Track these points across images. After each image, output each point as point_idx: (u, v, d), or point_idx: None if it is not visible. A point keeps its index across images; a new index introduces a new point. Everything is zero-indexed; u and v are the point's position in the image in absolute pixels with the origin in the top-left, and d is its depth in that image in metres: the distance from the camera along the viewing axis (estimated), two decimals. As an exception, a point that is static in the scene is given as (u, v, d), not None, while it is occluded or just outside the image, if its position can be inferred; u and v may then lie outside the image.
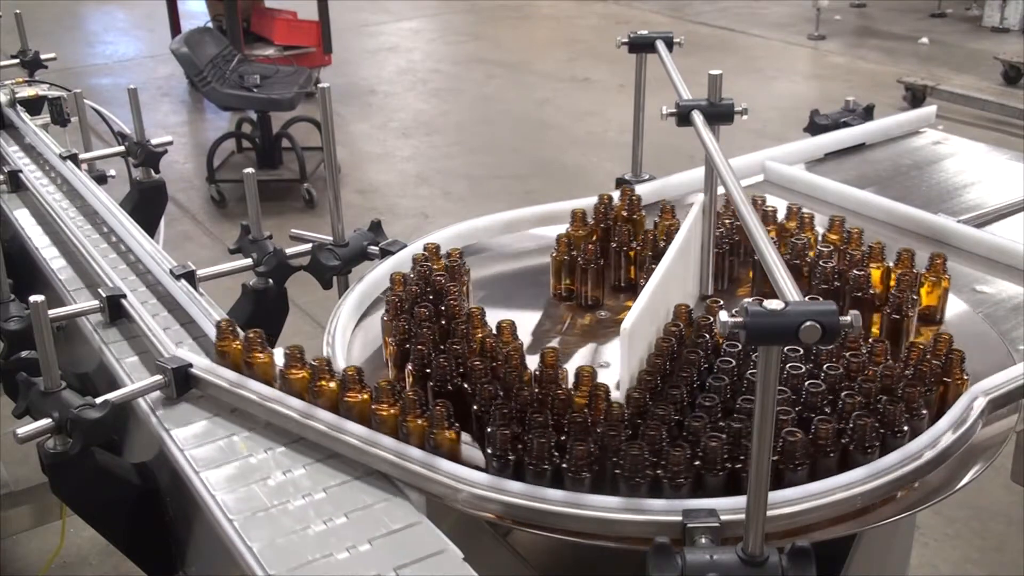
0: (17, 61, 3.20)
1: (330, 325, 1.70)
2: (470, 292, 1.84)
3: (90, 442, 1.42)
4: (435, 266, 1.80)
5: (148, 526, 1.51)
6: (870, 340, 1.50)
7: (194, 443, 1.43)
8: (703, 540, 1.18)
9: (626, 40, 2.07)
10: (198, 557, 1.45)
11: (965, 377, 1.45)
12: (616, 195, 2.00)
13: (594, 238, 1.91)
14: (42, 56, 3.23)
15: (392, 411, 1.38)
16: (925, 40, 9.43)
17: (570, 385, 1.45)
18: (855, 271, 1.67)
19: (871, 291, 1.66)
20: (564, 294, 1.86)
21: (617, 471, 1.27)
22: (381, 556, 1.20)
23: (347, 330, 1.73)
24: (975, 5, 10.40)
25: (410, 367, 1.53)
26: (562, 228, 1.94)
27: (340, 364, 1.58)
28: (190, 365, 1.53)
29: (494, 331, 1.57)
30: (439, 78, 8.63)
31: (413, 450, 1.34)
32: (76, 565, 3.19)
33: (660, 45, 2.00)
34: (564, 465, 1.28)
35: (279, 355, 1.51)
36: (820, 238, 1.86)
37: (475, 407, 1.41)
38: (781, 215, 1.94)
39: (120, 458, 1.55)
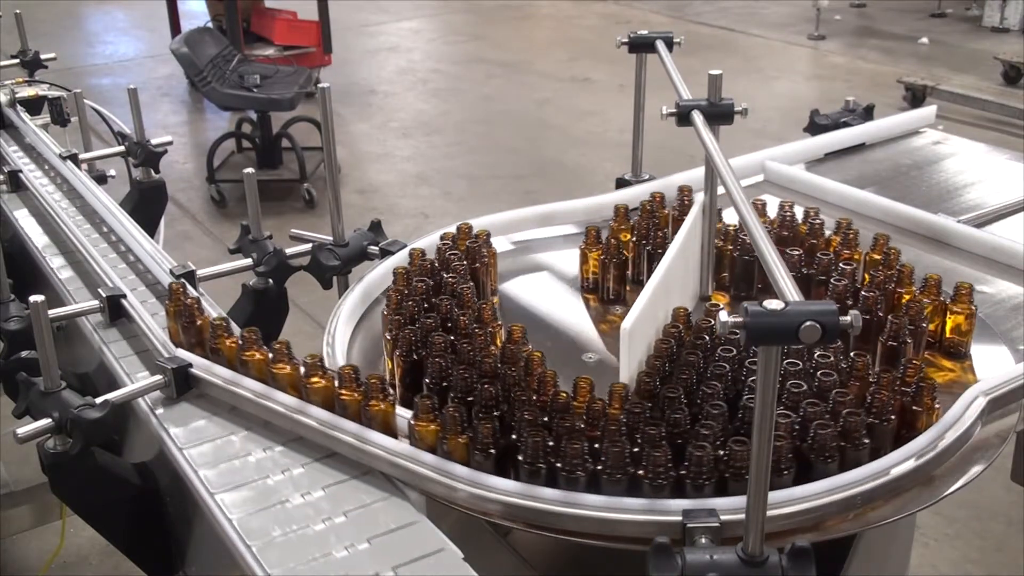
0: (17, 61, 3.20)
1: (330, 325, 1.70)
2: (494, 275, 1.87)
3: (90, 442, 1.42)
4: (461, 246, 1.84)
5: (148, 526, 1.51)
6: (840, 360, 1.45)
7: (194, 443, 1.43)
8: (703, 540, 1.18)
9: (626, 40, 2.07)
10: (198, 557, 1.44)
11: (936, 407, 1.39)
12: (673, 194, 2.01)
13: (633, 234, 1.91)
14: (42, 56, 3.23)
15: (323, 383, 1.42)
16: (925, 40, 9.43)
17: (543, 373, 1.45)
18: (863, 292, 1.62)
19: (880, 313, 1.60)
20: (590, 286, 1.88)
21: (520, 456, 1.29)
22: (380, 555, 1.20)
23: (347, 330, 1.73)
24: (975, 5, 10.40)
25: (387, 335, 1.58)
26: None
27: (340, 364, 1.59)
28: (190, 365, 1.53)
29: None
30: (439, 78, 8.63)
31: (346, 423, 1.38)
32: (76, 565, 3.19)
33: (660, 45, 2.00)
34: (471, 434, 1.31)
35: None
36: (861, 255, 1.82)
37: (426, 380, 1.46)
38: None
39: (120, 458, 1.55)
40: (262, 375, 1.49)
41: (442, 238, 1.87)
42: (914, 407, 1.38)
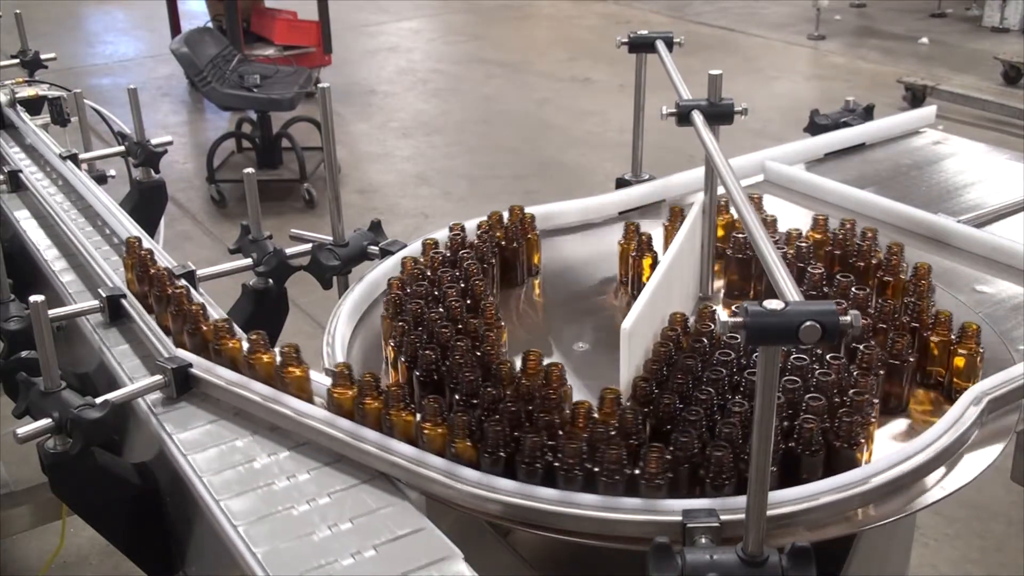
0: (17, 61, 3.20)
1: (330, 325, 1.70)
2: (537, 258, 1.93)
3: (90, 442, 1.42)
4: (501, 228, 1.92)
5: (148, 526, 1.51)
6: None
7: (194, 444, 1.43)
8: (703, 540, 1.18)
9: (626, 40, 2.07)
10: (198, 557, 1.44)
11: (862, 440, 1.32)
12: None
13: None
14: (42, 56, 3.23)
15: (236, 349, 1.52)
16: (925, 40, 9.43)
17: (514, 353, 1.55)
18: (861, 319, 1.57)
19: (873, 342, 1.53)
20: (625, 280, 1.91)
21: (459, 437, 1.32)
22: (386, 562, 1.19)
23: (347, 330, 1.73)
24: (975, 5, 10.39)
25: (385, 300, 1.68)
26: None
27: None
28: (190, 365, 1.53)
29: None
30: (439, 78, 8.63)
31: (270, 392, 1.45)
32: (76, 565, 3.19)
33: (660, 45, 2.00)
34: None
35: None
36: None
37: (390, 342, 1.56)
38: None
39: (120, 458, 1.55)
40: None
41: (489, 218, 1.92)
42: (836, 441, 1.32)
